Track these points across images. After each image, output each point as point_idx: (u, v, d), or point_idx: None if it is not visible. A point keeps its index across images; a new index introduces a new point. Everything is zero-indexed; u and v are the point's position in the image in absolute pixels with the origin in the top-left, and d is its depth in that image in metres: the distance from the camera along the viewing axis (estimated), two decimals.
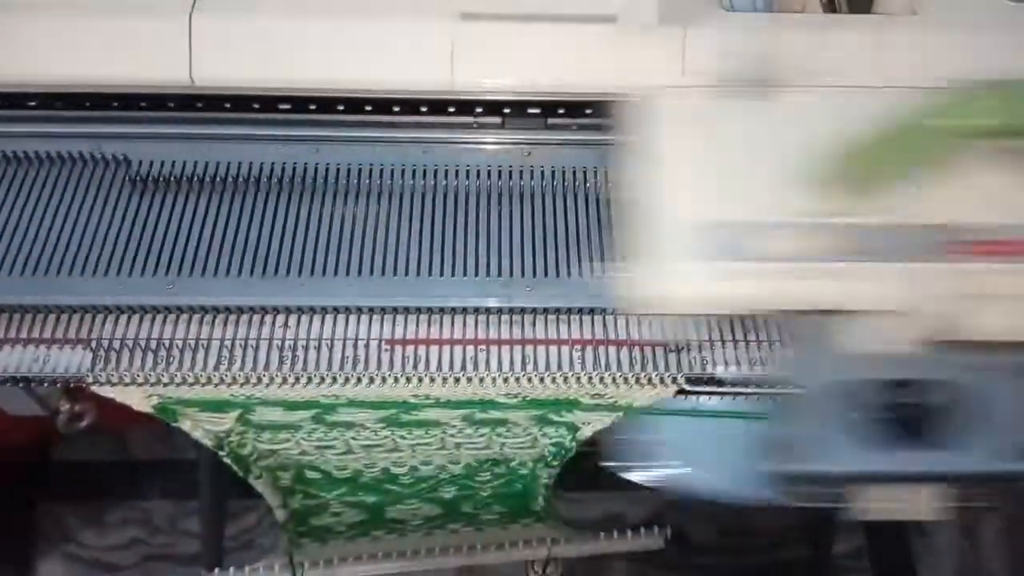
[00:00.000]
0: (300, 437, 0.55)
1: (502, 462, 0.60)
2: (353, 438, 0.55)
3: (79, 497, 1.20)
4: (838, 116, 0.43)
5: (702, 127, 0.46)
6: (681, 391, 0.46)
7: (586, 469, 1.19)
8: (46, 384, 0.45)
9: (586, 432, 0.53)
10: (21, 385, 0.45)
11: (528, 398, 0.49)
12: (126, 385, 0.45)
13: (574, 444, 0.54)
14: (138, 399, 0.48)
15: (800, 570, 1.14)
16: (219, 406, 0.50)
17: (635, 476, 0.48)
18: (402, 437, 0.55)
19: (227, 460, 0.55)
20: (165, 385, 0.45)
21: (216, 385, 0.45)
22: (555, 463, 0.57)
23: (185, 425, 0.50)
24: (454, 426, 0.54)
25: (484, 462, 0.60)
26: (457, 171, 0.51)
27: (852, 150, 0.42)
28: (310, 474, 0.60)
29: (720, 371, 0.46)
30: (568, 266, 0.48)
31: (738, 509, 1.18)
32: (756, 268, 0.42)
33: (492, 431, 0.55)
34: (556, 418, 0.52)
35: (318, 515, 0.66)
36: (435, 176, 0.50)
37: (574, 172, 0.51)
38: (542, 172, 0.51)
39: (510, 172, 0.51)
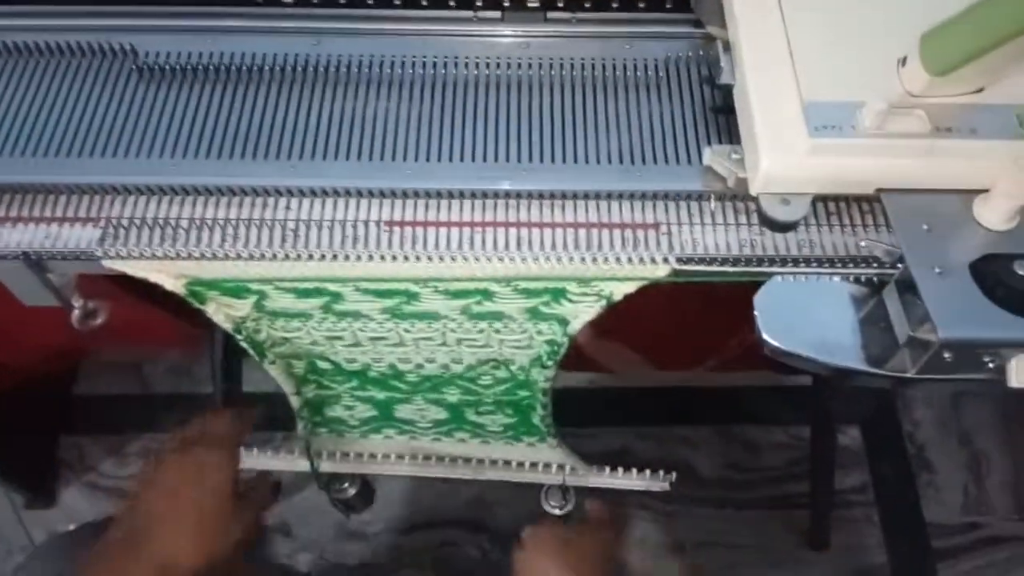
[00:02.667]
0: (311, 327, 0.57)
1: (501, 363, 0.61)
2: (360, 329, 0.57)
3: (100, 429, 1.24)
4: None
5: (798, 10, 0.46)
6: (677, 272, 0.47)
7: (593, 405, 1.22)
8: (58, 259, 0.47)
9: (575, 325, 0.54)
10: (33, 258, 0.46)
11: (520, 287, 0.51)
12: (136, 259, 0.46)
13: (566, 339, 0.55)
14: (169, 281, 0.49)
15: (805, 504, 1.15)
16: (237, 291, 0.52)
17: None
18: (406, 331, 0.57)
19: (244, 344, 0.57)
20: (172, 260, 0.46)
21: (222, 260, 0.47)
22: (550, 363, 0.59)
23: (210, 308, 0.52)
24: (454, 320, 0.55)
25: (485, 362, 0.61)
26: (456, 62, 0.51)
27: (937, 30, 0.42)
28: (321, 364, 0.62)
29: (712, 250, 0.47)
30: (563, 151, 0.48)
31: (745, 444, 1.20)
32: (864, 144, 0.42)
33: (490, 327, 0.56)
34: (547, 311, 0.53)
35: (331, 405, 0.68)
36: (434, 67, 0.51)
37: (572, 64, 0.52)
38: (540, 63, 0.52)
39: (508, 63, 0.52)
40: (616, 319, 0.75)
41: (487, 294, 0.52)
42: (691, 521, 1.16)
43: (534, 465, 0.70)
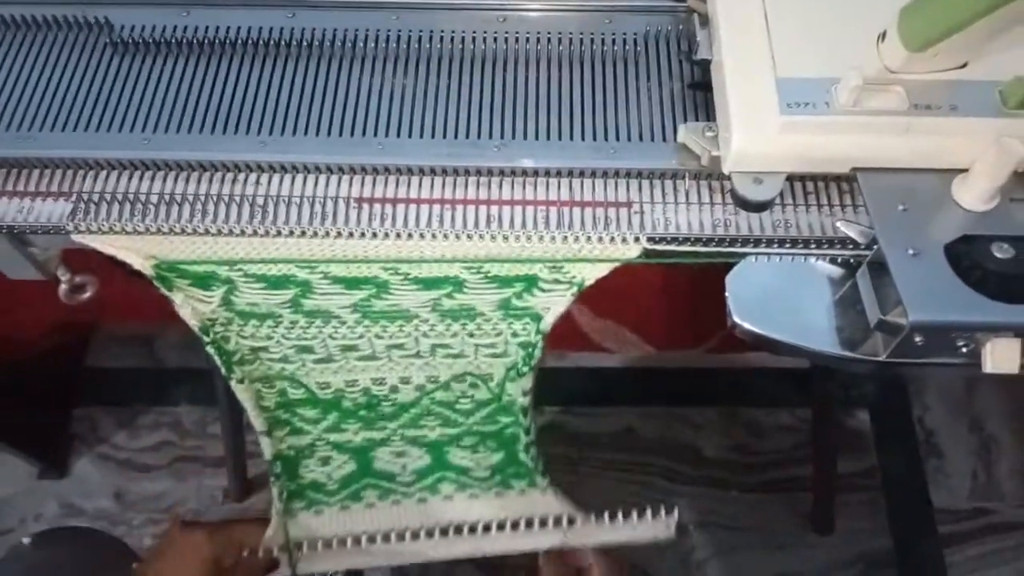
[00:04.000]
0: (281, 334, 0.55)
1: (478, 378, 0.60)
2: (331, 336, 0.56)
3: (112, 402, 1.26)
4: None
5: None
6: (648, 253, 0.47)
7: (599, 385, 1.21)
8: (28, 232, 0.47)
9: (548, 320, 0.53)
10: (5, 231, 0.47)
11: (491, 273, 0.50)
12: (104, 233, 0.46)
13: (539, 337, 0.54)
14: (138, 260, 0.49)
15: (808, 487, 1.14)
16: (206, 281, 0.51)
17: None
18: (378, 336, 0.56)
19: (213, 353, 0.56)
20: (141, 234, 0.47)
21: (191, 236, 0.47)
22: (526, 369, 0.57)
23: (178, 299, 0.52)
24: (425, 320, 0.54)
25: (461, 377, 0.60)
26: (431, 36, 0.51)
27: (915, 4, 0.41)
28: (293, 392, 0.60)
29: (684, 229, 0.46)
30: (536, 128, 0.48)
31: (750, 426, 1.19)
32: (838, 122, 0.42)
33: (463, 329, 0.55)
34: (519, 304, 0.52)
35: (306, 461, 0.65)
36: (408, 41, 0.51)
37: (548, 38, 0.51)
38: (516, 38, 0.51)
39: (484, 38, 0.51)
40: (613, 299, 0.74)
41: (458, 284, 0.51)
42: (694, 502, 1.16)
43: (530, 525, 0.64)
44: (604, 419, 1.22)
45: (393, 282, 0.51)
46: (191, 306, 0.52)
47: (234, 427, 1.13)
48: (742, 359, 1.21)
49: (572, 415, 1.22)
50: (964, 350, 0.40)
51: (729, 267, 0.47)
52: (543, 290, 0.51)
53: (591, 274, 0.49)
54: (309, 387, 0.60)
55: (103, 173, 0.48)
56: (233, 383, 0.58)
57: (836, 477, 1.12)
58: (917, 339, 0.40)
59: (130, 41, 0.50)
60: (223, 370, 0.57)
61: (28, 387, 1.16)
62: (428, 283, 0.51)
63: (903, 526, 1.12)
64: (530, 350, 0.56)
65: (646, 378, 1.24)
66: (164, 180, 0.48)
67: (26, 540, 0.66)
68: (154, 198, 0.47)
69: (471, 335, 0.56)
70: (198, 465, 1.22)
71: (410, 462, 0.66)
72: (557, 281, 0.50)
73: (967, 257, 0.40)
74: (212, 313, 0.53)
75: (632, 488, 1.17)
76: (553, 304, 0.52)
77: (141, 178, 0.48)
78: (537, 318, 0.53)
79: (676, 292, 0.74)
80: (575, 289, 0.50)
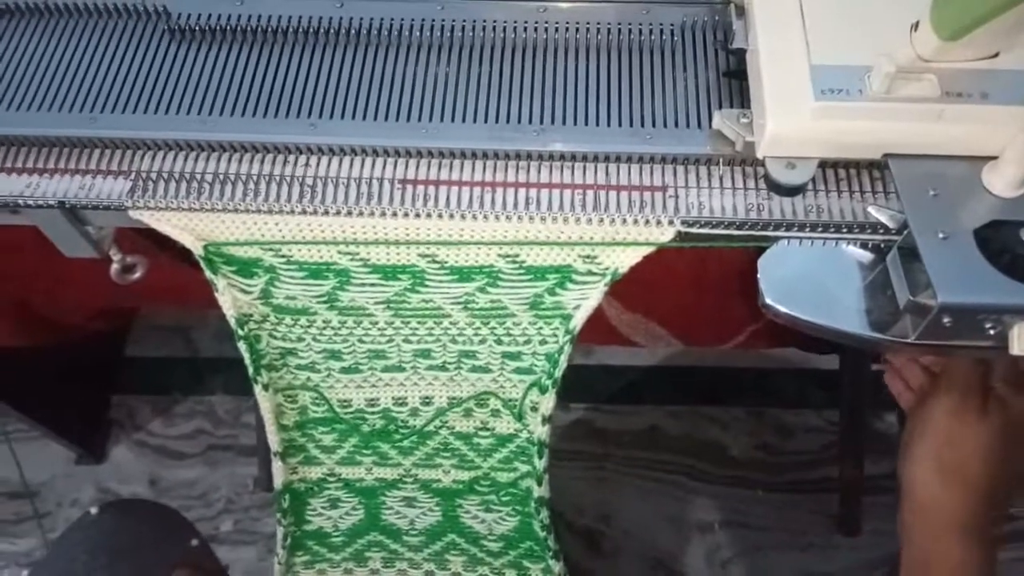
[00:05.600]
0: (312, 335, 0.57)
1: (499, 399, 0.60)
2: (360, 340, 0.57)
3: (149, 390, 1.29)
4: None
5: None
6: (683, 236, 0.48)
7: (625, 382, 1.22)
8: (89, 208, 0.49)
9: (578, 319, 0.54)
10: (68, 207, 0.49)
11: (527, 263, 0.52)
12: (160, 210, 0.49)
13: (566, 341, 0.55)
14: (189, 239, 0.51)
15: (835, 488, 1.14)
16: (249, 268, 0.53)
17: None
18: (406, 340, 0.57)
19: (243, 349, 0.57)
20: (195, 211, 0.49)
21: (243, 213, 0.49)
22: (547, 383, 0.58)
23: (220, 285, 0.54)
24: (455, 321, 0.56)
25: (483, 399, 0.60)
26: (474, 25, 0.52)
27: None
28: (314, 410, 0.62)
29: (717, 213, 0.47)
30: (574, 114, 0.49)
31: (777, 426, 1.19)
32: (871, 108, 0.43)
33: (491, 332, 0.56)
34: (550, 300, 0.53)
35: (312, 501, 0.65)
36: (451, 30, 0.52)
37: (588, 28, 0.52)
38: (556, 27, 0.52)
39: (525, 27, 0.52)
40: (643, 292, 0.75)
41: (492, 275, 0.52)
42: (719, 501, 1.16)
43: None
44: (630, 417, 1.23)
45: (429, 271, 0.53)
46: (231, 295, 0.54)
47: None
48: (770, 359, 1.21)
49: (598, 412, 1.23)
50: (992, 332, 0.41)
51: (760, 253, 0.48)
52: (576, 282, 0.52)
53: (624, 261, 0.50)
54: (331, 403, 0.61)
55: (160, 153, 0.50)
56: (258, 389, 0.60)
57: (863, 479, 1.12)
58: (945, 320, 0.41)
59: (187, 28, 0.53)
60: (251, 371, 0.59)
61: (70, 373, 1.19)
62: (463, 273, 0.53)
63: None
64: (555, 359, 0.57)
65: (672, 376, 1.25)
66: (218, 161, 0.50)
67: (93, 510, 0.69)
68: (208, 177, 0.49)
69: (499, 341, 0.57)
70: (231, 453, 1.25)
71: (419, 516, 0.66)
72: (590, 272, 0.51)
73: (996, 241, 0.41)
74: (249, 307, 0.56)
75: (657, 487, 1.18)
76: (584, 299, 0.53)
77: (196, 159, 0.50)
78: (567, 318, 0.55)
79: (706, 286, 0.74)
80: (608, 279, 0.51)
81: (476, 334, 0.57)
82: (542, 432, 0.60)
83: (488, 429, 0.62)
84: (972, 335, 0.42)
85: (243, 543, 1.18)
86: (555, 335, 0.56)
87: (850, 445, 1.12)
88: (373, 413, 0.62)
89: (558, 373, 0.57)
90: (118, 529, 0.67)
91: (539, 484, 0.63)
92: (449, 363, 0.59)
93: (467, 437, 0.63)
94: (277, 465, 0.64)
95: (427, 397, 0.61)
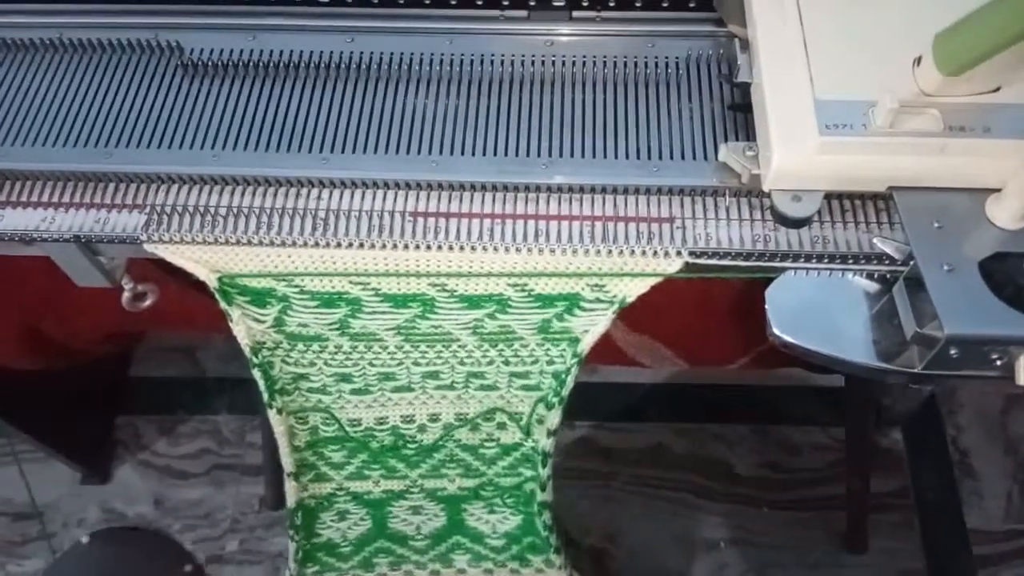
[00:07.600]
0: (324, 359, 0.58)
1: (506, 414, 0.61)
2: (371, 363, 0.58)
3: (154, 410, 1.29)
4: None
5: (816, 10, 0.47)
6: (690, 267, 0.48)
7: (631, 400, 1.22)
8: (105, 242, 0.50)
9: (585, 344, 0.54)
10: (84, 240, 0.50)
11: (535, 291, 0.52)
12: (175, 244, 0.49)
13: (574, 363, 0.56)
14: (204, 272, 0.52)
15: (841, 505, 1.14)
16: (263, 297, 0.54)
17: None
18: (415, 363, 0.58)
19: (258, 376, 0.58)
20: (209, 244, 0.49)
21: (256, 246, 0.49)
22: (555, 401, 0.58)
23: (234, 315, 0.54)
24: (464, 345, 0.56)
25: (490, 414, 0.61)
26: (482, 59, 0.53)
27: (950, 30, 0.42)
28: (324, 429, 0.62)
29: (724, 244, 0.48)
30: (582, 147, 0.50)
31: (783, 444, 1.19)
32: (875, 142, 0.43)
33: (500, 356, 0.57)
34: (558, 325, 0.54)
35: (323, 515, 0.66)
36: (460, 64, 0.53)
37: (594, 61, 0.53)
38: (564, 61, 0.53)
39: (532, 61, 0.53)
40: (649, 314, 0.76)
41: (501, 303, 0.53)
42: (726, 519, 1.16)
43: None
44: (636, 435, 1.23)
45: (439, 299, 0.53)
46: (246, 324, 0.55)
47: (273, 436, 1.16)
48: (775, 377, 1.22)
49: (604, 430, 1.24)
50: (998, 363, 0.42)
51: (768, 283, 0.49)
52: (584, 309, 0.53)
53: (632, 291, 0.51)
54: (341, 423, 0.62)
55: (175, 187, 0.51)
56: (272, 413, 0.60)
57: (869, 496, 1.12)
58: (952, 352, 0.41)
59: (200, 63, 0.54)
60: (265, 396, 0.59)
61: (74, 395, 1.19)
62: (473, 301, 0.53)
63: (937, 546, 1.11)
64: (562, 378, 0.57)
65: (678, 394, 1.25)
66: (232, 194, 0.51)
67: (84, 539, 0.69)
68: (222, 211, 0.50)
69: (506, 362, 0.57)
70: (236, 473, 1.25)
71: (425, 521, 0.67)
72: (598, 300, 0.52)
73: (1001, 273, 0.42)
74: (263, 335, 0.56)
75: (663, 505, 1.18)
76: (592, 325, 0.54)
77: (210, 192, 0.51)
78: (575, 342, 0.55)
79: (712, 309, 0.75)
80: (616, 307, 0.52)
81: (484, 356, 0.57)
82: (547, 444, 0.61)
83: (494, 440, 0.63)
84: (978, 366, 0.42)
85: (249, 563, 1.18)
86: (562, 356, 0.57)
87: (856, 462, 1.13)
88: (382, 431, 0.62)
89: (565, 392, 0.58)
90: (110, 557, 0.67)
91: (543, 489, 0.63)
92: (457, 383, 0.59)
93: (473, 448, 0.63)
94: (291, 485, 0.65)
95: (435, 414, 0.62)
